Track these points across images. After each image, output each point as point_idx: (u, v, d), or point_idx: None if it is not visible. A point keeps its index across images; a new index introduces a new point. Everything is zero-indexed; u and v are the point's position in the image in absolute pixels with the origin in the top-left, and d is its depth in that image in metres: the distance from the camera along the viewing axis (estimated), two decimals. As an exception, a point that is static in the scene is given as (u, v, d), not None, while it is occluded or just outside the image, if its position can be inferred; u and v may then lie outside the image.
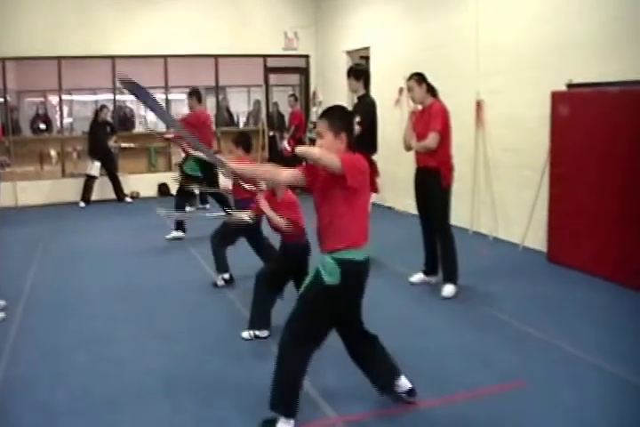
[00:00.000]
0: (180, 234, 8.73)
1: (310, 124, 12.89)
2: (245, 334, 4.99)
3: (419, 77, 5.95)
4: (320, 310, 3.52)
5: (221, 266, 6.43)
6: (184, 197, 8.95)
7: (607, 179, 6.30)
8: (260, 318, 4.99)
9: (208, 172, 8.47)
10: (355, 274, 3.49)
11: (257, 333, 4.97)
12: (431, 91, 5.96)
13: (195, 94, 9.17)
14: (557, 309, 5.60)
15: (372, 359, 3.86)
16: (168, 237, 8.70)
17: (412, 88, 5.97)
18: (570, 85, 6.79)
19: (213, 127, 10.23)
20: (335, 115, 3.61)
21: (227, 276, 6.45)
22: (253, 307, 5.03)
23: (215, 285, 6.43)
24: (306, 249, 5.02)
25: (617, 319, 5.31)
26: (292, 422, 3.51)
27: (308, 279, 3.56)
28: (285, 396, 3.52)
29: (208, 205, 10.90)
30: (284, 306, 5.09)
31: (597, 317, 5.38)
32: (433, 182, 5.92)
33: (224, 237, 6.33)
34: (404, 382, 3.86)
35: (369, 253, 3.55)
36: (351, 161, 3.38)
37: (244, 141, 6.28)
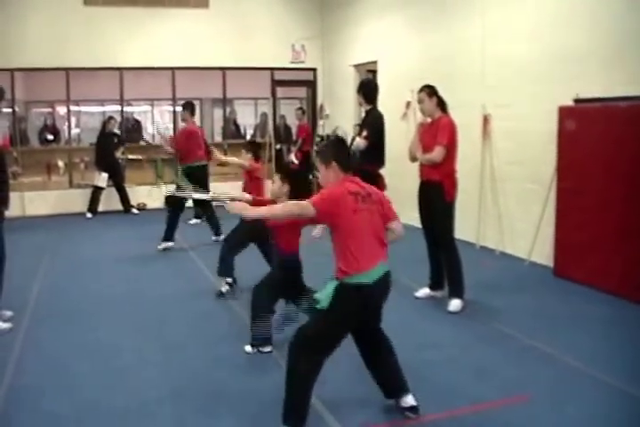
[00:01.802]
0: (170, 244, 8.79)
1: (317, 137, 12.92)
2: (248, 348, 4.98)
3: (430, 90, 5.95)
4: (332, 326, 3.57)
5: (226, 271, 6.46)
6: (177, 211, 8.88)
7: (614, 194, 6.30)
8: (261, 335, 4.96)
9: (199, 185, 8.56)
10: (362, 297, 3.54)
11: (260, 349, 4.97)
12: (441, 104, 5.97)
13: (188, 107, 9.24)
14: (562, 323, 5.59)
15: (385, 369, 3.89)
16: (160, 247, 8.73)
17: (423, 100, 5.97)
18: (577, 100, 6.80)
19: (205, 139, 10.14)
20: (322, 147, 3.96)
21: (230, 280, 6.47)
22: (253, 324, 5.00)
23: (220, 293, 6.46)
24: (297, 262, 4.99)
25: (621, 333, 5.30)
26: None
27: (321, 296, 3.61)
28: (295, 409, 3.54)
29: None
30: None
31: (602, 331, 5.37)
32: (436, 196, 5.93)
33: (237, 241, 6.36)
34: (409, 399, 3.87)
35: (384, 271, 3.61)
36: (322, 199, 3.57)
37: (253, 149, 6.83)
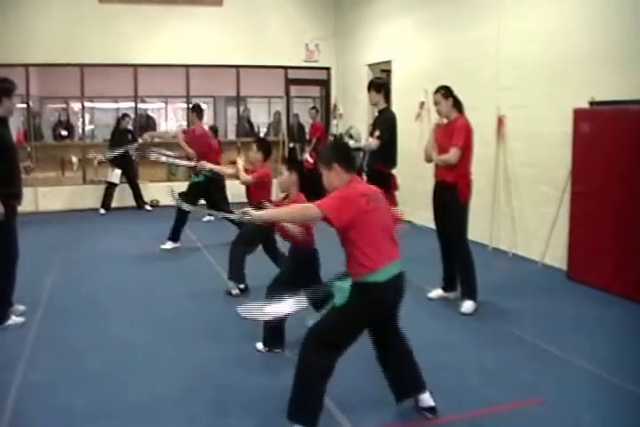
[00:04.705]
0: (175, 245, 8.72)
1: (331, 136, 12.92)
2: (260, 346, 4.99)
3: (445, 91, 5.94)
4: (346, 323, 3.55)
5: (238, 275, 6.44)
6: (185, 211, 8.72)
7: (628, 197, 6.26)
8: (273, 336, 4.96)
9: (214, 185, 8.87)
10: (376, 295, 3.54)
11: (271, 348, 4.97)
12: (457, 105, 5.95)
13: (195, 110, 9.24)
14: (576, 326, 5.56)
15: (399, 369, 3.88)
16: (163, 247, 8.67)
17: (439, 102, 5.95)
18: (592, 103, 6.76)
19: (215, 142, 9.96)
20: (323, 152, 3.96)
21: (242, 286, 6.46)
22: (266, 324, 4.96)
23: (229, 293, 6.46)
24: (315, 255, 4.96)
25: (635, 338, 5.27)
26: None
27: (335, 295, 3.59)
28: (305, 406, 3.51)
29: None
30: (299, 321, 5.09)
31: (616, 335, 5.34)
32: (450, 197, 5.91)
33: (245, 244, 6.35)
34: (426, 398, 3.87)
35: (397, 270, 3.60)
36: (330, 202, 3.49)
37: (265, 147, 6.57)
